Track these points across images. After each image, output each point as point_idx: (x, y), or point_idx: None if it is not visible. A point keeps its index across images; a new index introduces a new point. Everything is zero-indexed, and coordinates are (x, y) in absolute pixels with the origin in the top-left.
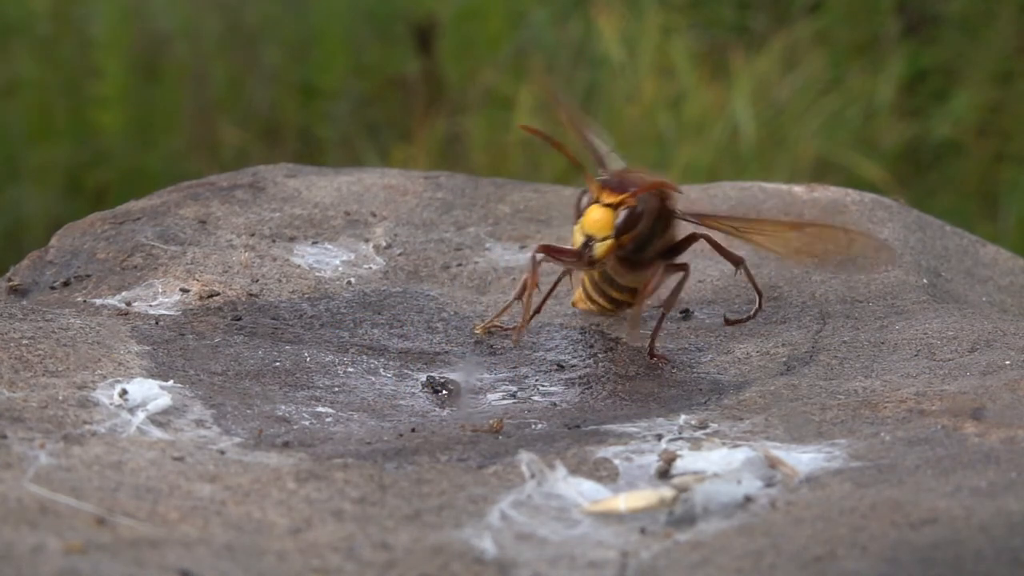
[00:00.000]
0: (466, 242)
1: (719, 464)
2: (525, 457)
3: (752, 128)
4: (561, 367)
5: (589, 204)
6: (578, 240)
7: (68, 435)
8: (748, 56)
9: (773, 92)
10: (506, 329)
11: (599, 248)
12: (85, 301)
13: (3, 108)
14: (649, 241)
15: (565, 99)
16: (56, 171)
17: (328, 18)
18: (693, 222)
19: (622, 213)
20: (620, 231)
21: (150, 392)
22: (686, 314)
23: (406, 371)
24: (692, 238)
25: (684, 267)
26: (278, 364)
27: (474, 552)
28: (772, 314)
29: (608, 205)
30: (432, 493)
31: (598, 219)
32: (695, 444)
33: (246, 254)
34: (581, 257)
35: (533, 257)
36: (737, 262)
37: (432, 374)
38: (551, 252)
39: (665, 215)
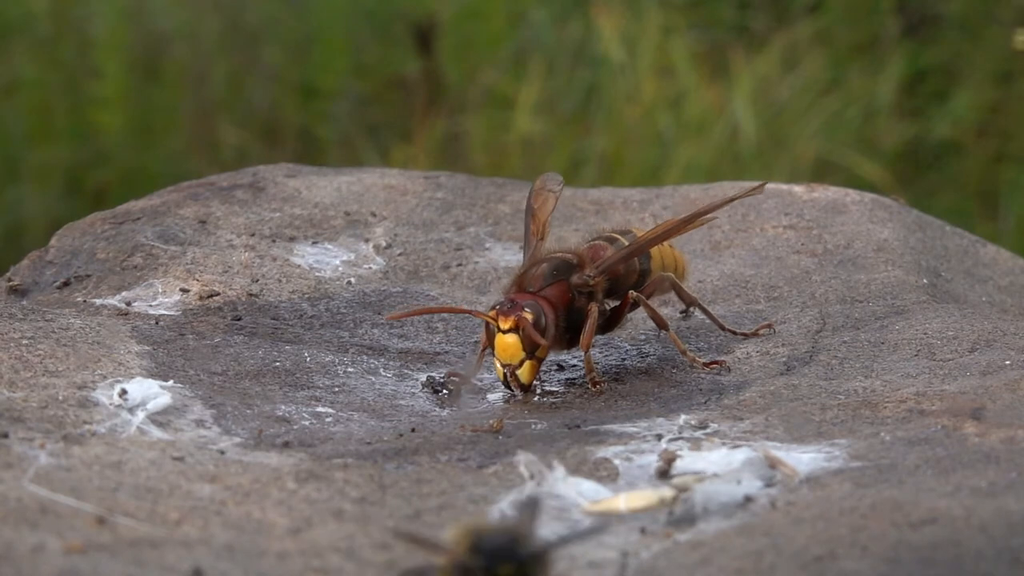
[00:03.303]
0: (466, 242)
1: (719, 464)
2: (523, 458)
3: (752, 128)
4: (561, 367)
5: (492, 335)
6: (500, 372)
7: (68, 435)
8: (748, 56)
9: (773, 92)
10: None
11: (523, 374)
12: (85, 301)
13: (3, 108)
14: (572, 319)
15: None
16: (56, 171)
17: (328, 18)
18: (592, 282)
19: (525, 332)
20: (530, 350)
21: (150, 392)
22: (686, 314)
23: (406, 371)
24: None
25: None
26: (278, 364)
27: None
28: (772, 314)
29: (508, 331)
30: (432, 493)
31: (506, 348)
32: (695, 444)
33: (246, 254)
34: (509, 386)
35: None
36: (663, 327)
37: (432, 374)
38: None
39: (578, 285)
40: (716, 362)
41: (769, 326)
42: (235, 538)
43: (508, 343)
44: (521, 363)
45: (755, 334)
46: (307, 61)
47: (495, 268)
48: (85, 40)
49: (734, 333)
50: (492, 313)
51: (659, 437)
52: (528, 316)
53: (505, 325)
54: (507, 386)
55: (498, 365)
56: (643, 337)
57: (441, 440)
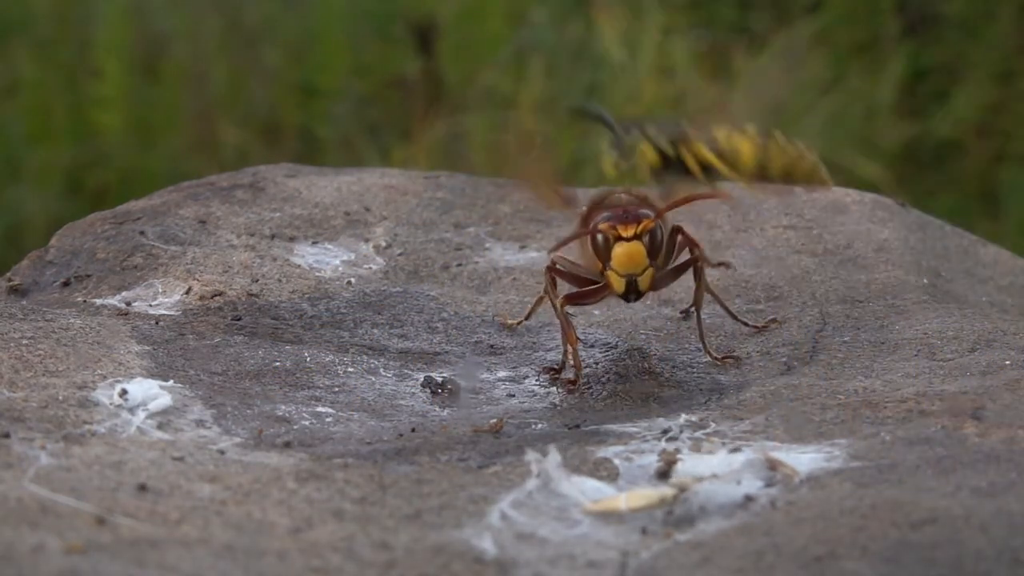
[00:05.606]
0: (466, 242)
1: (719, 464)
2: (532, 456)
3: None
4: (561, 367)
5: (607, 244)
6: (620, 283)
7: (68, 435)
8: (748, 56)
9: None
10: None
11: (644, 280)
12: (85, 301)
13: (3, 108)
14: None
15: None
16: (56, 171)
17: (328, 18)
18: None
19: (647, 239)
20: (652, 256)
21: (150, 392)
22: (686, 314)
23: (406, 371)
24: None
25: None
26: (278, 364)
27: (474, 552)
28: (772, 314)
29: (632, 238)
30: (432, 493)
31: (632, 256)
32: (695, 444)
33: (246, 254)
34: (628, 297)
35: (563, 314)
36: (698, 306)
37: (431, 374)
38: (579, 300)
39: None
40: (729, 357)
41: (775, 321)
42: (235, 538)
43: (633, 250)
44: (644, 271)
45: (764, 327)
46: (307, 61)
47: (495, 268)
48: (85, 40)
49: (745, 324)
50: (607, 224)
51: (659, 437)
52: (651, 225)
53: (628, 232)
54: (626, 298)
55: (615, 277)
56: (643, 336)
57: (441, 440)
